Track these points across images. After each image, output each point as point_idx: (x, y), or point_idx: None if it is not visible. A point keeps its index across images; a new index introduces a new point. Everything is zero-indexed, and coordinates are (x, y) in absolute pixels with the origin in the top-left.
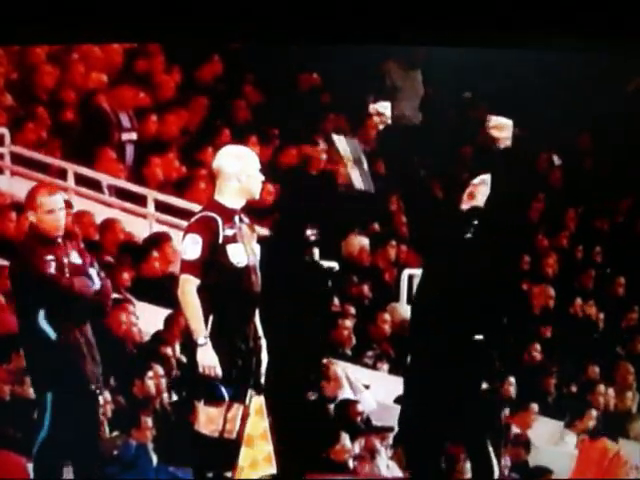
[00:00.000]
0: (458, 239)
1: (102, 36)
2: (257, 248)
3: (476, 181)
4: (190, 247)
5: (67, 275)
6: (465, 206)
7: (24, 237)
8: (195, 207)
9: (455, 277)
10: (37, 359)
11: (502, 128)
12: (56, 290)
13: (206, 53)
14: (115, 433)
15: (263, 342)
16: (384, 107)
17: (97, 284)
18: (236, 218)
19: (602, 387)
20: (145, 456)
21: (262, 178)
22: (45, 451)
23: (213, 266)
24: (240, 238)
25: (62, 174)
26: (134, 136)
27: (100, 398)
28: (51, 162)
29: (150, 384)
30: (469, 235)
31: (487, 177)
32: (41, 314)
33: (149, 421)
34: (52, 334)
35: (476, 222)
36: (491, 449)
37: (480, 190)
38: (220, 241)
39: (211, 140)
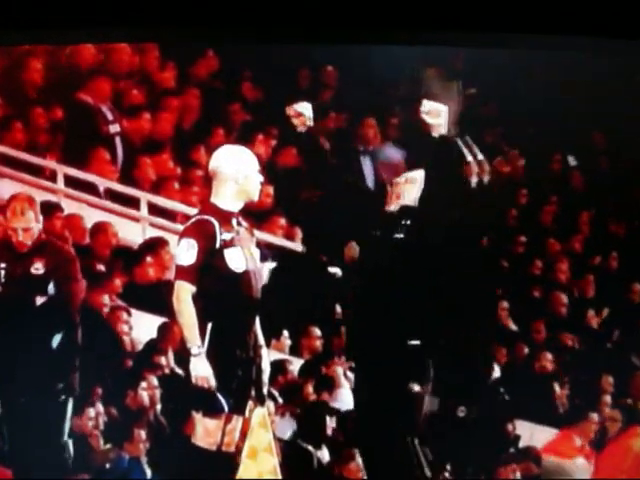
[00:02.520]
0: (387, 241)
1: (97, 36)
2: (256, 252)
3: (400, 180)
4: (185, 252)
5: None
6: (393, 207)
7: None
8: (191, 210)
9: (387, 280)
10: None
11: (436, 114)
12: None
13: (201, 48)
14: (107, 446)
15: (264, 351)
16: (304, 107)
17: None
18: (234, 221)
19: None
20: (138, 470)
21: (261, 179)
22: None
23: (210, 272)
24: (238, 242)
25: (51, 176)
26: (118, 128)
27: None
28: (40, 163)
29: (144, 395)
30: (400, 235)
31: (414, 174)
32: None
33: (142, 434)
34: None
35: (408, 222)
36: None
37: (406, 189)
38: (217, 245)
39: (206, 140)
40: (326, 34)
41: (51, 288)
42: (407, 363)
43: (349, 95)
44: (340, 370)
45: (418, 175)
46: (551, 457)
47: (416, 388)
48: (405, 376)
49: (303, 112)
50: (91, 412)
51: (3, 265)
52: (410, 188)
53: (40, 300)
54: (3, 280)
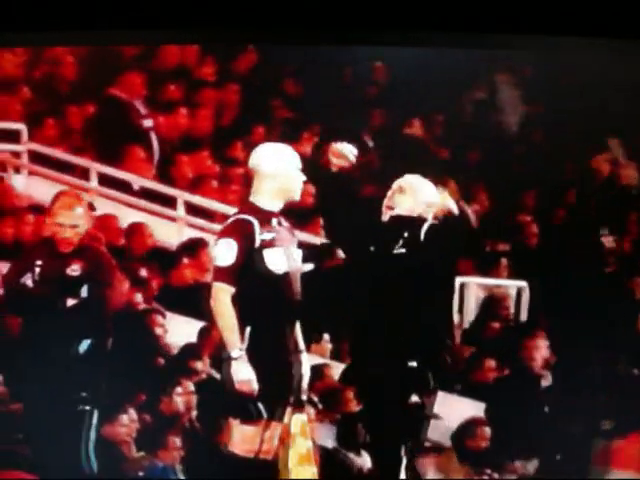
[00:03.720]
0: (385, 255)
1: (139, 38)
2: (298, 253)
3: (393, 187)
4: (224, 253)
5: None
6: (385, 218)
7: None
8: (230, 209)
9: (385, 298)
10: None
11: (342, 156)
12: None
13: (242, 44)
14: (140, 453)
15: (304, 355)
16: (348, 150)
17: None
18: (274, 221)
19: None
20: (172, 478)
21: (303, 178)
22: None
23: (249, 273)
24: (279, 242)
25: (84, 174)
26: (151, 123)
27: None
28: (72, 161)
29: (179, 401)
30: (400, 250)
31: (403, 181)
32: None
33: (177, 441)
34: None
35: (405, 234)
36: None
37: (396, 199)
38: (256, 246)
39: (246, 137)
40: (370, 35)
41: (84, 291)
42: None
43: (395, 93)
44: None
45: (409, 182)
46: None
47: (414, 399)
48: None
49: (347, 155)
50: (124, 419)
51: (39, 263)
52: (402, 198)
53: (71, 302)
54: (37, 278)
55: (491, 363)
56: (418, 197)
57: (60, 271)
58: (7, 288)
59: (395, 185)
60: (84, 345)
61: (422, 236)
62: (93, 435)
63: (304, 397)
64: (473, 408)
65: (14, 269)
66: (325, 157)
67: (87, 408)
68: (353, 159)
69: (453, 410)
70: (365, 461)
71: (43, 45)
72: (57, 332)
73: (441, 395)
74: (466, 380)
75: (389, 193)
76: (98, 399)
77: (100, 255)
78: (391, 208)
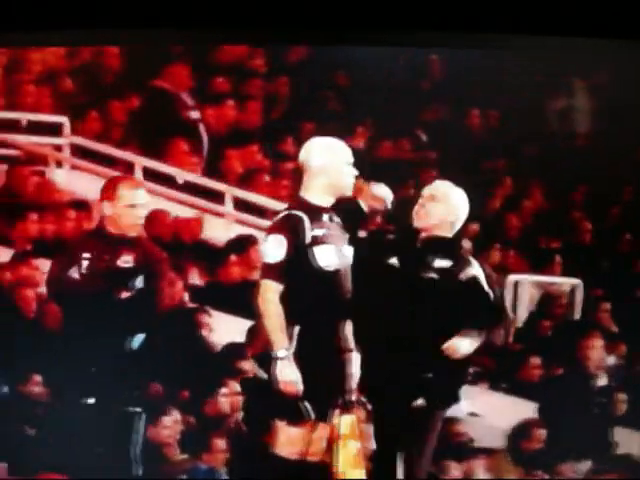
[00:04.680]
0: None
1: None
2: (349, 250)
3: (424, 194)
4: (273, 249)
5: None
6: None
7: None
8: (279, 205)
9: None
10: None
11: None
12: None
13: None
14: (183, 456)
15: (353, 355)
16: (385, 192)
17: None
18: (325, 217)
19: None
20: None
21: (355, 173)
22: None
23: (298, 270)
24: (330, 239)
25: (128, 168)
26: (198, 114)
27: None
28: (116, 154)
29: (224, 402)
30: (429, 275)
31: (435, 189)
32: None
33: (222, 443)
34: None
35: (441, 261)
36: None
37: (428, 207)
38: (307, 242)
39: (296, 130)
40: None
41: (139, 282)
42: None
43: (449, 86)
44: None
45: (444, 191)
46: None
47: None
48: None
49: (384, 198)
50: (167, 421)
51: (87, 255)
52: (436, 209)
53: (125, 295)
54: (84, 271)
55: (536, 361)
56: (450, 204)
57: (111, 263)
58: (52, 283)
59: (426, 192)
60: (137, 340)
61: (461, 278)
62: (141, 439)
63: (353, 397)
64: (521, 407)
65: (59, 263)
66: (361, 195)
67: (138, 410)
68: (389, 205)
69: (498, 409)
70: None
71: (73, 44)
72: (106, 327)
73: (487, 394)
74: (512, 379)
75: (420, 200)
76: (148, 400)
77: (152, 247)
78: (423, 217)
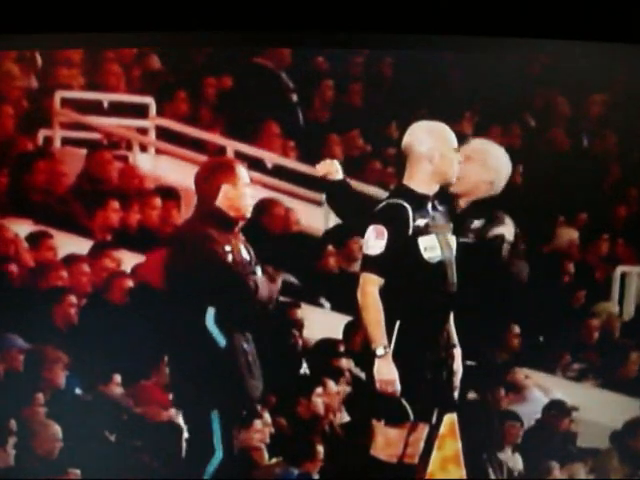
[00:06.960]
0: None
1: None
2: (453, 241)
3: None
4: (374, 240)
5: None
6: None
7: (195, 220)
8: (381, 193)
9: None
10: (203, 370)
11: None
12: (237, 288)
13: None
14: (275, 459)
15: (457, 351)
16: None
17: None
18: (429, 206)
19: None
20: None
21: (459, 159)
22: (222, 476)
23: (401, 262)
24: (434, 229)
25: (219, 152)
26: (296, 97)
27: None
28: (205, 138)
29: (319, 402)
30: (467, 239)
31: (470, 149)
32: (210, 315)
33: (315, 446)
34: (221, 340)
35: (477, 222)
36: None
37: (462, 170)
38: (410, 233)
39: (399, 115)
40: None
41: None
42: None
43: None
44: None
45: (480, 147)
46: None
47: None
48: None
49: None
50: (258, 424)
51: (228, 247)
52: (475, 169)
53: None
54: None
55: (634, 356)
56: (486, 163)
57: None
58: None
59: (461, 153)
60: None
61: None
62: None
63: (455, 395)
64: (626, 405)
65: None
66: None
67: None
68: None
69: (604, 406)
70: (516, 462)
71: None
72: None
73: (592, 390)
74: (611, 375)
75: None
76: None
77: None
78: (459, 180)
